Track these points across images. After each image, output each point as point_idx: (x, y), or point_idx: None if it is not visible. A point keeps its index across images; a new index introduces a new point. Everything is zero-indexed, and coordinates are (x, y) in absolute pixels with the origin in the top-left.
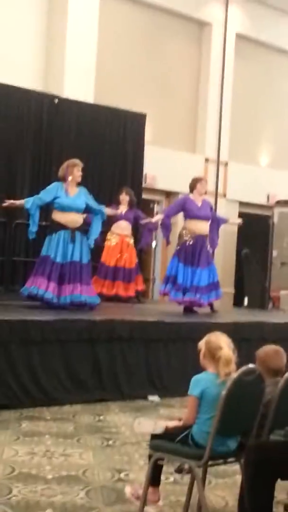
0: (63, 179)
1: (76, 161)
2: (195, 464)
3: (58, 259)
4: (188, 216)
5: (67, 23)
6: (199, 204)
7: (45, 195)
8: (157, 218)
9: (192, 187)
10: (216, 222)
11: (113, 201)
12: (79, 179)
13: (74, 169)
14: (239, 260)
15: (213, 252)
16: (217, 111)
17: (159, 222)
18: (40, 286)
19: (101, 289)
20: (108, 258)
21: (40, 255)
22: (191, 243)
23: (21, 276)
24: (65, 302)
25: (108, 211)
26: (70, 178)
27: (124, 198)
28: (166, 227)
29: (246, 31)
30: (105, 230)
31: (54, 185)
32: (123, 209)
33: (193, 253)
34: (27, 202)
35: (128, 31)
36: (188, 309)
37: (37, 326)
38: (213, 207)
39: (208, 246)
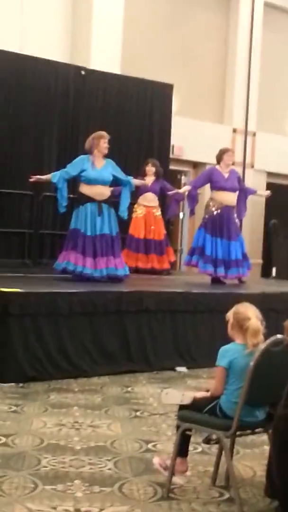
0: (90, 152)
1: (102, 133)
2: (223, 434)
3: (88, 233)
4: (215, 187)
5: None
6: (226, 175)
7: (72, 168)
8: (184, 189)
9: (219, 159)
10: (244, 193)
11: (140, 173)
12: (106, 151)
13: (100, 141)
14: (266, 231)
15: (240, 223)
16: (245, 81)
17: (186, 193)
18: (76, 262)
19: (135, 263)
20: (137, 230)
21: (68, 228)
22: (218, 214)
23: (48, 249)
24: (102, 275)
25: (136, 181)
26: (96, 150)
27: (150, 169)
28: (192, 198)
29: (274, 0)
30: (132, 202)
31: (80, 158)
32: (149, 180)
33: (220, 224)
34: (54, 176)
35: (154, 2)
36: (216, 280)
37: (65, 298)
38: (241, 178)
39: (236, 217)
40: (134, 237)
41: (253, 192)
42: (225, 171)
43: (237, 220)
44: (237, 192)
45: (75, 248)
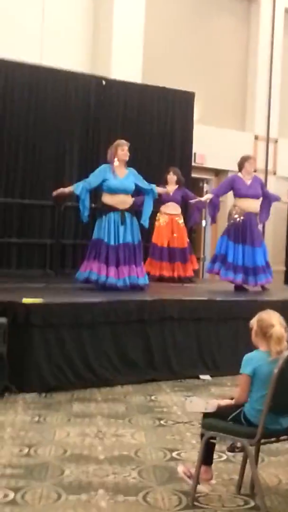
0: (111, 161)
1: (121, 141)
2: (248, 442)
3: (112, 242)
4: (237, 195)
5: (114, 4)
6: (248, 182)
7: (94, 178)
8: (206, 197)
9: (241, 166)
10: (268, 199)
11: (161, 181)
12: (126, 158)
13: (118, 149)
14: None
15: (263, 228)
16: (267, 88)
17: (207, 201)
18: (100, 271)
19: (160, 271)
20: (160, 239)
21: (92, 238)
22: (241, 221)
23: (70, 259)
24: (125, 284)
25: (159, 189)
26: (116, 159)
27: (172, 177)
28: (214, 206)
29: None
30: (155, 211)
31: (102, 167)
32: (171, 189)
33: (243, 231)
34: (77, 188)
35: (174, 9)
36: (239, 287)
37: (87, 308)
38: (264, 184)
39: (259, 224)
40: (157, 246)
41: (278, 199)
42: (247, 178)
43: (260, 227)
44: (261, 199)
45: (98, 257)
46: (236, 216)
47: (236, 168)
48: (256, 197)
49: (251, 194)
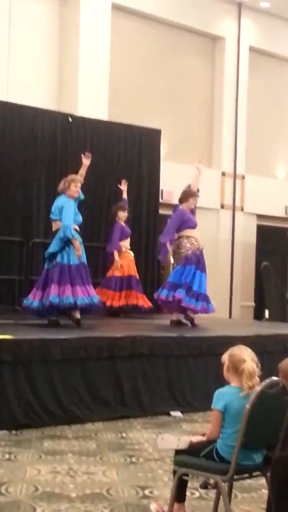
0: (63, 193)
1: (75, 176)
2: (221, 479)
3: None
4: (189, 226)
5: (79, 42)
6: (190, 214)
7: (76, 216)
8: (171, 250)
9: (185, 200)
10: None
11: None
12: (76, 195)
13: (71, 184)
14: (258, 273)
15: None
16: (233, 125)
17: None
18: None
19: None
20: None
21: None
22: (200, 249)
23: None
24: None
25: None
26: (68, 193)
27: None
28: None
29: (259, 44)
30: None
31: (71, 205)
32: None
33: (202, 259)
34: (71, 233)
35: (140, 48)
36: (176, 323)
37: (57, 344)
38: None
39: None
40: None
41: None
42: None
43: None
44: None
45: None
46: (198, 246)
47: (204, 204)
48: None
49: (196, 225)
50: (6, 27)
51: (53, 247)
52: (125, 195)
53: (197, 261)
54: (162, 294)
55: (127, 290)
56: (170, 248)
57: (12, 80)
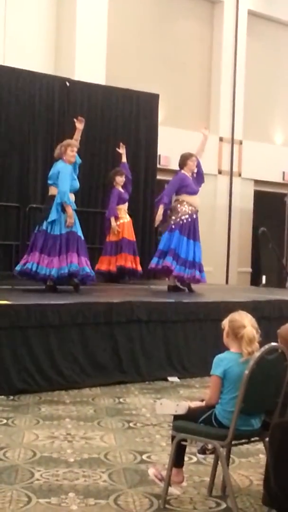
0: (62, 158)
1: (70, 141)
2: (219, 444)
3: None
4: (186, 192)
5: (77, 6)
6: (191, 180)
7: (73, 182)
8: (160, 213)
9: (183, 164)
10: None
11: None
12: (73, 160)
13: (68, 149)
14: (255, 239)
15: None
16: (231, 90)
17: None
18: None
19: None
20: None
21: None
22: (195, 217)
23: None
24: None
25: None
26: (64, 158)
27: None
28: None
29: (257, 8)
30: None
31: (68, 170)
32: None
33: (195, 227)
34: (69, 199)
35: (138, 12)
36: (173, 288)
37: (54, 309)
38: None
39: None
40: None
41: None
42: (190, 175)
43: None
44: None
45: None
46: (189, 212)
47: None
48: (197, 194)
49: (196, 191)
50: None
51: (53, 215)
52: (124, 159)
53: (188, 229)
54: (153, 261)
55: (120, 254)
56: (160, 211)
57: (8, 44)
